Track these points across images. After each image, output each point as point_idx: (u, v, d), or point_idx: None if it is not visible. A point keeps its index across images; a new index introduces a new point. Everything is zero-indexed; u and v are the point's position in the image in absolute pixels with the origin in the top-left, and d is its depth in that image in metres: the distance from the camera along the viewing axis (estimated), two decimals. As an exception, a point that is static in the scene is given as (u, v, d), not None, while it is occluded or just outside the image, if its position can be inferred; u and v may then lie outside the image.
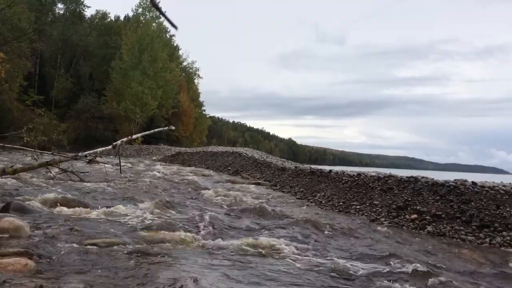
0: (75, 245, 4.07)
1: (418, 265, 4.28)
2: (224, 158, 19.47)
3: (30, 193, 6.90)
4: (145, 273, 3.42)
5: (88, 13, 44.59)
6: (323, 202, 9.26)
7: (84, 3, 41.94)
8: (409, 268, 4.14)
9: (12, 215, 5.01)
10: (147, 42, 37.26)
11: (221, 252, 4.37)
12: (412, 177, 8.19)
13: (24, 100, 30.65)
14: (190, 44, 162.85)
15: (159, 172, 14.96)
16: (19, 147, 6.57)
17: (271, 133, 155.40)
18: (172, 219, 5.88)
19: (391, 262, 4.38)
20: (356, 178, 9.46)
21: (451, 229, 6.48)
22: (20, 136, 6.46)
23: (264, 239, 5.01)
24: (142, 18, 40.99)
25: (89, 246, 4.06)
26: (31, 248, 3.80)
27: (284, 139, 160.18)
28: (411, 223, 7.03)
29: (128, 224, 5.32)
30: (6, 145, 6.59)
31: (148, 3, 41.12)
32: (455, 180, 7.46)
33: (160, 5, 1.49)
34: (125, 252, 4.01)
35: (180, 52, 51.82)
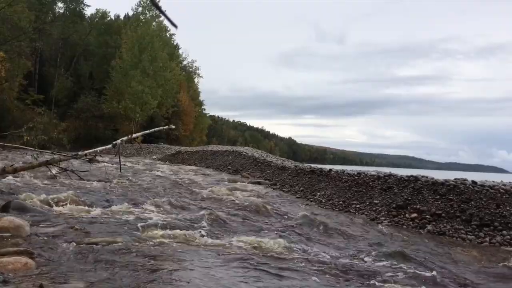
0: (75, 244, 4.07)
1: (418, 264, 4.28)
2: (224, 157, 19.47)
3: (30, 192, 6.90)
4: (146, 273, 3.42)
5: (88, 12, 44.52)
6: (323, 201, 9.27)
7: (84, 2, 41.89)
8: (409, 267, 4.14)
9: (12, 214, 5.02)
10: (147, 41, 37.22)
11: (221, 251, 4.37)
12: (412, 176, 8.19)
13: (24, 99, 30.65)
14: (190, 43, 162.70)
15: (159, 171, 14.97)
16: (19, 146, 6.58)
17: (271, 132, 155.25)
18: (172, 218, 5.88)
19: (391, 261, 4.38)
20: (356, 177, 9.46)
21: (451, 228, 6.48)
22: (20, 135, 6.46)
23: (263, 238, 5.01)
24: (142, 17, 40.94)
25: (89, 245, 4.06)
26: (31, 247, 3.80)
27: (284, 138, 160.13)
28: (411, 222, 7.04)
29: (128, 223, 5.32)
30: (6, 144, 6.60)
31: (148, 2, 41.10)
32: (455, 179, 7.46)
33: (160, 4, 1.49)
34: (126, 251, 4.01)
35: (180, 51, 51.85)
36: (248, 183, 12.52)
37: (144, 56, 36.67)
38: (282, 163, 14.78)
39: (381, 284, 3.66)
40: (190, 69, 54.33)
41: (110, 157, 16.60)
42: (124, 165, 15.29)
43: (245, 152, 18.64)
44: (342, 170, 10.64)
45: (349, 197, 8.90)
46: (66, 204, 6.19)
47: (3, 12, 27.33)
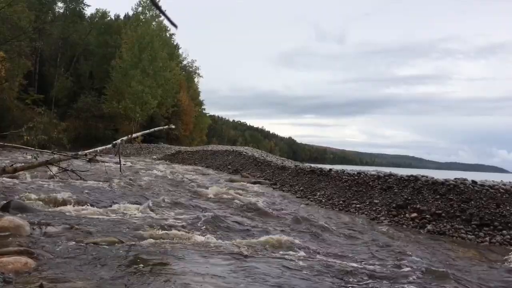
0: (75, 244, 4.07)
1: (418, 264, 4.28)
2: (224, 157, 19.48)
3: (30, 192, 6.90)
4: (146, 272, 3.42)
5: (88, 12, 44.53)
6: (323, 201, 9.27)
7: (84, 2, 41.89)
8: (409, 267, 4.14)
9: (12, 214, 5.02)
10: (147, 41, 37.22)
11: (221, 251, 4.37)
12: (412, 176, 8.20)
13: (24, 99, 30.61)
14: (190, 43, 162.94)
15: (159, 171, 14.97)
16: (19, 146, 6.57)
17: (271, 132, 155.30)
18: (172, 218, 5.88)
19: (391, 261, 4.38)
20: (356, 177, 9.47)
21: (451, 227, 6.49)
22: (20, 135, 6.46)
23: (263, 238, 5.01)
24: (142, 17, 40.93)
25: (89, 245, 4.06)
26: (31, 247, 3.80)
27: (284, 138, 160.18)
28: (411, 222, 7.04)
29: (128, 223, 5.32)
30: (6, 144, 6.60)
31: (148, 2, 41.09)
32: (455, 179, 7.47)
33: (160, 3, 1.49)
34: (125, 251, 4.01)
35: (180, 51, 51.85)
36: (248, 183, 12.52)
37: (144, 56, 36.67)
38: (282, 163, 14.79)
39: (380, 284, 3.66)
40: (190, 69, 54.34)
41: (110, 157, 16.59)
42: (124, 164, 15.29)
43: (245, 152, 18.64)
44: (342, 170, 10.64)
45: (349, 196, 8.90)
46: (66, 204, 6.19)
47: (3, 12, 27.32)
